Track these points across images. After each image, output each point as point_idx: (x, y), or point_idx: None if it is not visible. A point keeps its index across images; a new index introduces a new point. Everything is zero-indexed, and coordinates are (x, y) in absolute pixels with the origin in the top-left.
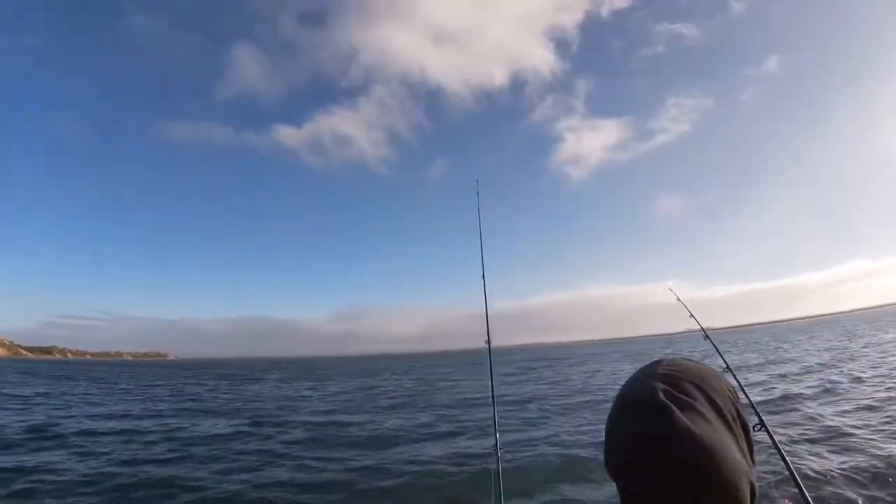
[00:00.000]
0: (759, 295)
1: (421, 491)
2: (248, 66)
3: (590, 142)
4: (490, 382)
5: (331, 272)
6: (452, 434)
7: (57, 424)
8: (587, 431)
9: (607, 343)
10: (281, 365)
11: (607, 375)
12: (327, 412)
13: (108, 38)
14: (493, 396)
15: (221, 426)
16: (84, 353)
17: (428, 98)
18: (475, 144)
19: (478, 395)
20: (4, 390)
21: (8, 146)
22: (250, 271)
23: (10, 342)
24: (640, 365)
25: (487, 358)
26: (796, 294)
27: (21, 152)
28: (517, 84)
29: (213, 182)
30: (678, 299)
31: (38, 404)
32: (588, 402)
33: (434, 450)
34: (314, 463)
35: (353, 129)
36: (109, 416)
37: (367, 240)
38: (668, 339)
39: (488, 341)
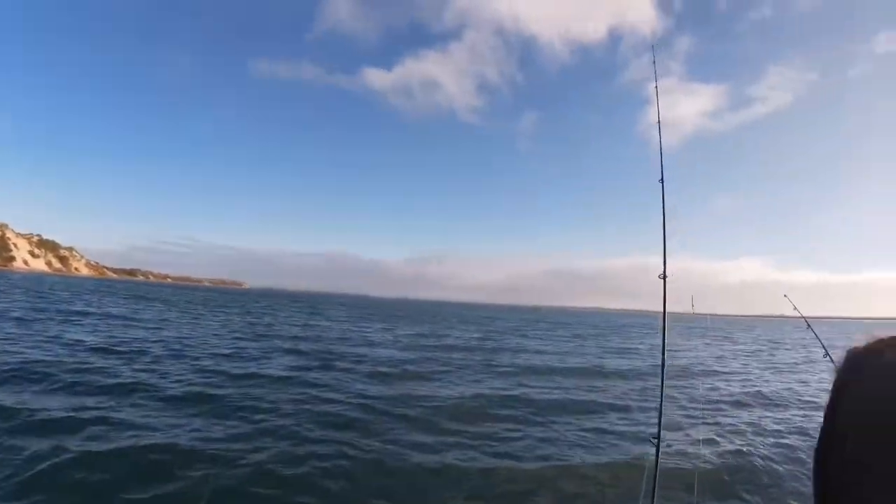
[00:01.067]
0: (837, 287)
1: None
2: (341, 6)
3: (684, 107)
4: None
5: (409, 213)
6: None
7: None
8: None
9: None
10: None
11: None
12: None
13: None
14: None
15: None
16: (165, 277)
17: (521, 48)
18: (565, 100)
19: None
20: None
21: (115, 78)
22: (329, 208)
23: (97, 263)
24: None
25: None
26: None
27: (128, 83)
28: (614, 39)
29: (302, 119)
30: (786, 297)
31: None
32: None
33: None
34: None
35: (442, 74)
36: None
37: (449, 184)
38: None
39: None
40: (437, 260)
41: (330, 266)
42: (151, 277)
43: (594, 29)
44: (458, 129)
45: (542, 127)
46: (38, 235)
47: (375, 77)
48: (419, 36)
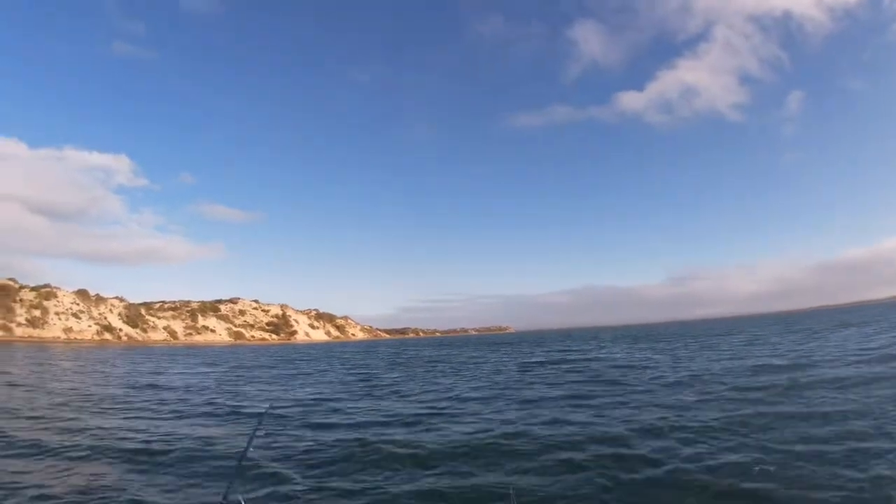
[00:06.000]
0: None
1: None
2: (591, 40)
3: None
4: None
5: (666, 231)
6: None
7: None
8: None
9: None
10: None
11: None
12: None
13: (451, 48)
14: None
15: None
16: (434, 332)
17: (778, 28)
18: (832, 69)
19: None
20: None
21: (368, 155)
22: (584, 244)
23: (371, 327)
24: None
25: None
26: None
27: (382, 160)
28: None
29: (552, 160)
30: None
31: None
32: None
33: None
34: None
35: (698, 78)
36: None
37: (708, 191)
38: None
39: None
40: (694, 277)
41: (583, 300)
42: (421, 333)
43: None
44: (723, 129)
45: (809, 105)
46: (315, 310)
47: (628, 100)
48: (667, 47)
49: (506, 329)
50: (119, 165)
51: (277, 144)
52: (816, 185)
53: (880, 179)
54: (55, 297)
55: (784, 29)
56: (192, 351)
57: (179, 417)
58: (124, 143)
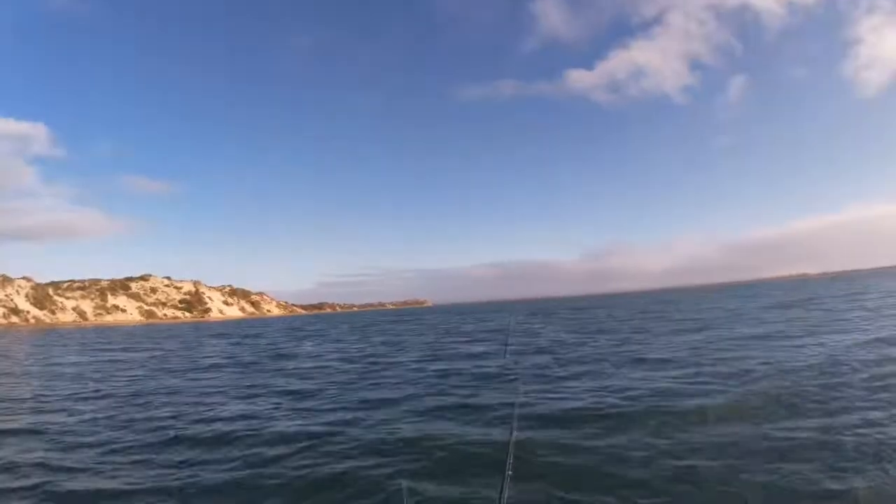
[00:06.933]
0: None
1: None
2: (549, 16)
3: (891, 40)
4: None
5: (589, 210)
6: None
7: None
8: None
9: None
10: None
11: None
12: None
13: (411, 19)
14: None
15: None
16: (351, 306)
17: (734, 17)
18: (779, 59)
19: None
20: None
21: (316, 122)
22: (512, 218)
23: (286, 303)
24: None
25: None
26: None
27: (330, 126)
28: None
29: (495, 135)
30: None
31: None
32: None
33: None
34: None
35: (649, 60)
36: None
37: (641, 171)
38: None
39: None
40: (609, 253)
41: (506, 275)
42: (338, 308)
43: None
44: (668, 110)
45: (749, 91)
46: (229, 286)
47: (578, 77)
48: (623, 28)
49: (423, 303)
50: (36, 133)
51: (206, 112)
52: (740, 169)
53: (797, 166)
54: None
55: (739, 19)
56: (99, 333)
57: None
58: (42, 111)
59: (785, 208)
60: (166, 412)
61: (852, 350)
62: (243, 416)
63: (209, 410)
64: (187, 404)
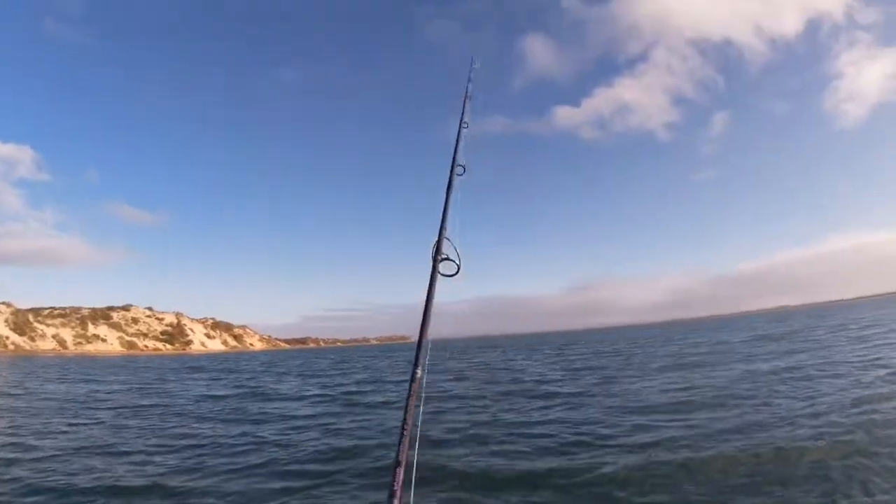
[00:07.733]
0: None
1: None
2: (536, 54)
3: (869, 74)
4: None
5: (575, 245)
6: None
7: None
8: None
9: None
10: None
11: None
12: None
13: (405, 50)
14: None
15: None
16: (335, 342)
17: (716, 52)
18: (759, 93)
19: None
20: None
21: (289, 156)
22: (493, 253)
23: (269, 336)
24: None
25: None
26: None
27: (305, 163)
28: (812, 27)
29: (483, 171)
30: None
31: None
32: None
33: None
34: None
35: (634, 97)
36: None
37: (623, 205)
38: None
39: None
40: (595, 288)
41: (486, 310)
42: (322, 343)
43: (789, 22)
44: (651, 146)
45: (731, 126)
46: (212, 318)
47: (564, 114)
48: (609, 66)
49: (406, 339)
50: (22, 156)
51: (192, 143)
52: (722, 202)
53: (779, 199)
54: None
55: (722, 54)
56: (77, 363)
57: None
58: (28, 134)
59: (766, 240)
60: None
61: None
62: None
63: None
64: None
